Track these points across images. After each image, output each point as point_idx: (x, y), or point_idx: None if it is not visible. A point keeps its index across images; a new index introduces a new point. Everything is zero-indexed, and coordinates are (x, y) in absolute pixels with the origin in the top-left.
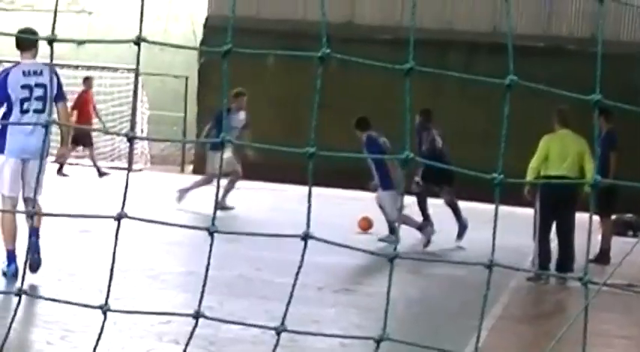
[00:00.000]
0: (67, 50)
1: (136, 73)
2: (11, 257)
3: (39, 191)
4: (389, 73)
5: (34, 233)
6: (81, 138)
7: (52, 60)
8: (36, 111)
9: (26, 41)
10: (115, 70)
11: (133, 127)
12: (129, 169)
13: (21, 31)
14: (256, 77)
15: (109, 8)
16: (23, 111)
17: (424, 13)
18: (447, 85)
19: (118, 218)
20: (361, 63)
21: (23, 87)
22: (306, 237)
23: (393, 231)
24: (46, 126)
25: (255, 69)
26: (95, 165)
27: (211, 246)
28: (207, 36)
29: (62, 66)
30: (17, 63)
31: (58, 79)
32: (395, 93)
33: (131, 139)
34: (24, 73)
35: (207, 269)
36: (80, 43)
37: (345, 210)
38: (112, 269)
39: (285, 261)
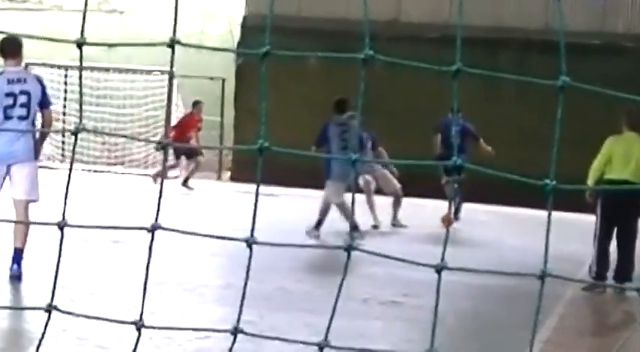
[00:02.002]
0: (98, 52)
1: (170, 76)
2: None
3: (33, 194)
4: (438, 73)
5: (17, 256)
6: (184, 151)
7: (81, 64)
8: (20, 117)
9: (10, 48)
10: (149, 72)
11: (167, 133)
12: (162, 177)
13: (6, 40)
14: (297, 79)
15: (141, 7)
16: (7, 118)
17: (473, 9)
18: (498, 86)
19: (152, 229)
20: (406, 64)
21: (7, 95)
22: (349, 248)
23: (355, 227)
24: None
25: (295, 70)
26: (187, 177)
27: (250, 258)
28: (245, 36)
29: (93, 69)
30: (1, 72)
31: (43, 86)
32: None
33: (165, 146)
34: (8, 80)
35: (246, 283)
36: (111, 46)
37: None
38: (145, 283)
39: (328, 272)
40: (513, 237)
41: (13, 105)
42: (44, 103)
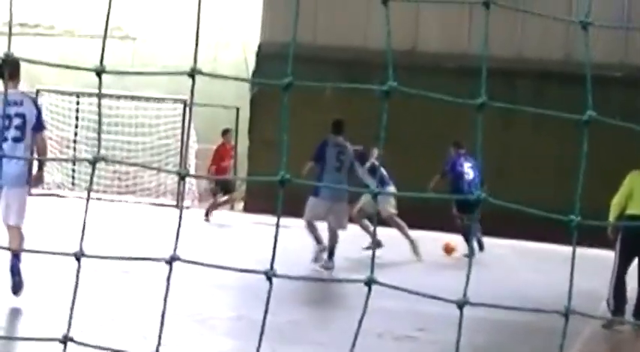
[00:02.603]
0: (109, 79)
1: (190, 106)
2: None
3: (19, 219)
4: (453, 104)
5: (14, 257)
6: (224, 185)
7: (100, 92)
8: (14, 139)
9: (9, 70)
10: (161, 100)
11: (184, 163)
12: (181, 208)
13: (4, 62)
14: (312, 108)
15: (154, 34)
16: (2, 140)
17: (492, 39)
18: (516, 117)
19: (170, 261)
20: (428, 96)
21: (3, 117)
22: (369, 282)
23: (331, 253)
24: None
25: (311, 99)
26: (211, 208)
27: (270, 291)
28: (260, 64)
29: (104, 96)
30: None
31: (38, 109)
32: (461, 126)
33: (183, 177)
34: (3, 102)
35: (265, 316)
36: (130, 74)
37: (405, 250)
38: (163, 315)
39: (341, 306)
40: (531, 272)
41: (8, 128)
42: (37, 127)
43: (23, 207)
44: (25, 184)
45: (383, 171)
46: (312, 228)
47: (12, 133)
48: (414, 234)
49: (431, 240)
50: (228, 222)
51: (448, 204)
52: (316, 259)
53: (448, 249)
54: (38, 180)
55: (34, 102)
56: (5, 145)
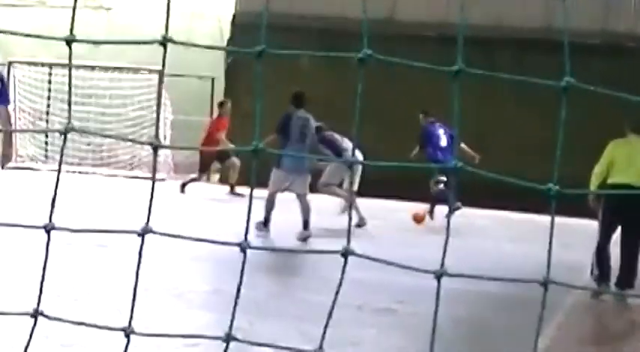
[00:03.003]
0: (84, 50)
1: (161, 75)
2: None
3: None
4: (434, 73)
5: None
6: (216, 156)
7: (70, 61)
8: None
9: None
10: (136, 70)
11: (157, 134)
12: (153, 180)
13: None
14: (288, 78)
15: (128, 4)
16: None
17: (471, 8)
18: (496, 87)
19: (143, 233)
20: (404, 63)
21: None
22: (346, 253)
23: (266, 222)
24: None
25: (287, 69)
26: (232, 184)
27: (244, 263)
28: (236, 34)
29: (78, 67)
30: None
31: (3, 82)
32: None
33: (156, 148)
34: None
35: (239, 288)
36: (101, 43)
37: (389, 222)
38: (135, 288)
39: (320, 278)
40: (511, 243)
41: None
42: (2, 99)
43: None
44: None
45: (347, 142)
46: (270, 204)
47: None
48: (390, 204)
49: (406, 211)
50: (203, 194)
51: (423, 175)
52: (257, 228)
53: (418, 219)
54: (7, 157)
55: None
56: None
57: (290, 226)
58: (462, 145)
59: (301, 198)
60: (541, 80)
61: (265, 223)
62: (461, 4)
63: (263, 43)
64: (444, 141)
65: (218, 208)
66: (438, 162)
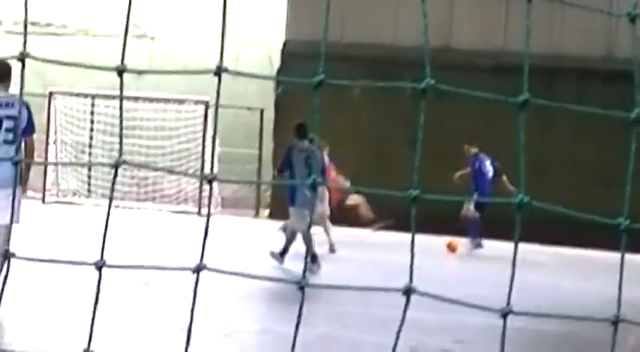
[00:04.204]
0: (127, 79)
1: (217, 106)
2: None
3: (16, 218)
4: (490, 104)
5: None
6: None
7: (121, 92)
8: (6, 142)
9: (0, 73)
10: (182, 101)
11: (210, 167)
12: (208, 215)
13: None
14: (339, 109)
15: (172, 33)
16: None
17: (530, 36)
18: (556, 118)
19: (197, 270)
20: (462, 93)
21: None
22: (408, 291)
23: (314, 258)
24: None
25: (338, 100)
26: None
27: (302, 301)
28: (285, 63)
29: (122, 98)
30: None
31: (29, 112)
32: (497, 127)
33: (210, 181)
34: None
35: (297, 327)
36: (151, 73)
37: (442, 259)
38: (190, 328)
39: (374, 317)
40: (571, 280)
41: None
42: (28, 130)
43: (19, 206)
44: (16, 185)
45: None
46: (309, 240)
47: (3, 136)
48: (425, 238)
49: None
50: (252, 230)
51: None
52: (311, 270)
53: (452, 247)
54: (24, 184)
55: (26, 104)
56: None
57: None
58: (504, 178)
59: (307, 232)
60: (610, 112)
61: (282, 254)
62: (527, 30)
63: (319, 73)
64: (490, 173)
65: (268, 244)
66: (486, 194)
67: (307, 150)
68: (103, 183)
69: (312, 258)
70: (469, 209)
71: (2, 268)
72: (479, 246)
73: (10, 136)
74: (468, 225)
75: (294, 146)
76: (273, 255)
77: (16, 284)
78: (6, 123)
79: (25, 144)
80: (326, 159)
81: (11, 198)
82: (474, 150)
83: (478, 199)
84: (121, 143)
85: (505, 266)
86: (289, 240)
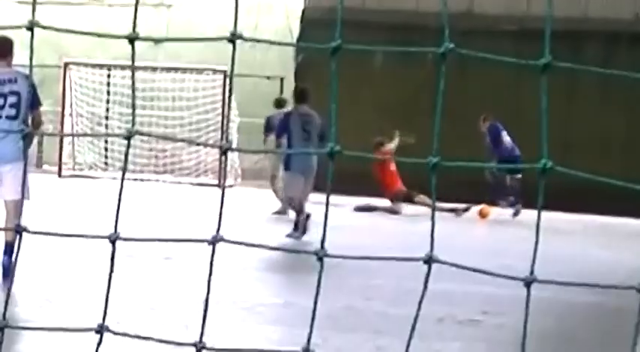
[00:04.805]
0: (144, 49)
1: (231, 76)
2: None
3: (16, 194)
4: (513, 69)
5: (7, 250)
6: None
7: (133, 61)
8: (8, 117)
9: (2, 49)
10: (200, 71)
11: (225, 137)
12: (223, 186)
13: None
14: (361, 77)
15: (189, 0)
16: None
17: None
18: (582, 83)
19: (214, 242)
20: (484, 58)
21: None
22: (429, 259)
23: (297, 225)
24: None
25: (359, 68)
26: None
27: (321, 272)
28: (305, 31)
29: (139, 68)
30: None
31: (34, 86)
32: (520, 93)
33: (226, 151)
34: None
35: (316, 300)
36: (165, 41)
37: (463, 227)
38: (207, 301)
39: (399, 289)
40: (599, 249)
41: (3, 106)
42: (34, 103)
43: (19, 182)
44: (21, 159)
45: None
46: (298, 206)
47: (6, 111)
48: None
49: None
50: (274, 201)
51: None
52: (289, 235)
53: (483, 214)
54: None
55: (29, 78)
56: (1, 123)
57: (369, 236)
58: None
59: (304, 198)
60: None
61: (296, 227)
62: None
63: (337, 39)
64: (508, 139)
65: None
66: (510, 161)
67: (306, 114)
68: (120, 155)
69: (295, 225)
70: (491, 172)
71: (18, 243)
72: (513, 208)
73: (13, 112)
74: (493, 189)
75: (292, 111)
76: (289, 235)
77: (32, 260)
78: (10, 99)
79: (33, 119)
80: (391, 147)
81: (20, 173)
82: (488, 123)
83: (498, 165)
84: (133, 114)
85: (532, 235)
86: (295, 210)
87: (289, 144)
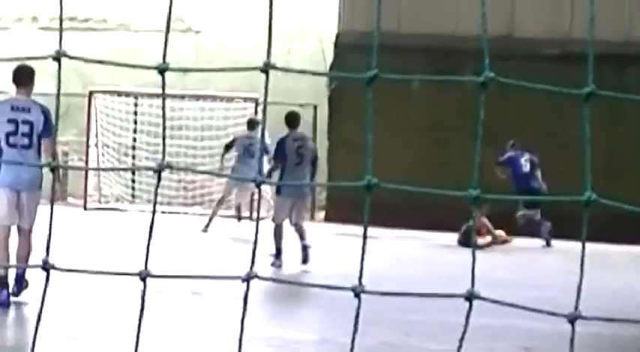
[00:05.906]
0: (172, 76)
1: (264, 107)
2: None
3: (32, 222)
4: (554, 94)
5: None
6: None
7: (164, 91)
8: (23, 146)
9: (21, 78)
10: (230, 99)
11: (260, 169)
12: (257, 219)
13: (18, 69)
14: (398, 103)
15: (218, 26)
16: (10, 145)
17: (598, 21)
18: (628, 108)
19: (247, 279)
20: (529, 87)
21: (9, 121)
22: (470, 296)
23: (279, 253)
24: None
25: (396, 93)
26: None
27: (358, 309)
28: (339, 56)
29: (167, 96)
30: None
31: (47, 117)
32: (562, 120)
33: (259, 184)
34: (12, 107)
35: (353, 337)
36: (195, 71)
37: (507, 260)
38: (240, 339)
39: (438, 325)
40: None
41: (15, 133)
42: (44, 133)
43: (36, 210)
44: (38, 188)
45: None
46: (279, 234)
47: (20, 141)
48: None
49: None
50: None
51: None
52: (272, 264)
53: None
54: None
55: (44, 110)
56: (13, 152)
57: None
58: (537, 172)
59: (300, 224)
60: None
61: (278, 254)
62: (590, 16)
63: (373, 67)
64: (526, 168)
65: (323, 249)
66: (525, 192)
67: (300, 139)
68: (147, 187)
69: (276, 252)
70: (522, 210)
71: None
72: (547, 243)
73: (26, 141)
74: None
75: (287, 136)
76: (273, 264)
77: (58, 296)
78: (22, 128)
79: (43, 146)
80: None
81: (34, 202)
82: (509, 149)
83: (527, 198)
84: (164, 145)
85: (575, 266)
86: (276, 237)
87: (282, 168)
